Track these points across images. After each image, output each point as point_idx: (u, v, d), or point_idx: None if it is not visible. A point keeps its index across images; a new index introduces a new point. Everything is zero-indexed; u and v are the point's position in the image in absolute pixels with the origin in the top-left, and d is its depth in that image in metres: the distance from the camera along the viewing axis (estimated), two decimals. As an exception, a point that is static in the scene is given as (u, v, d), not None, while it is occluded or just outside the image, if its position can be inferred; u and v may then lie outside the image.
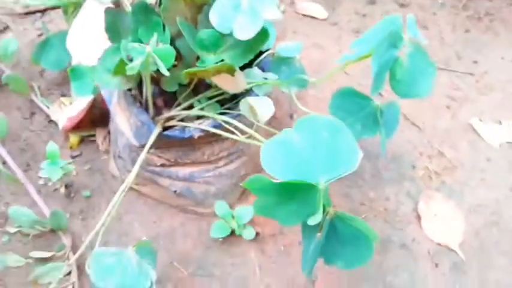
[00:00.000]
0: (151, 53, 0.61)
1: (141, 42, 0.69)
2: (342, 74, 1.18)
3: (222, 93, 0.82)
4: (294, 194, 0.56)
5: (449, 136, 1.10)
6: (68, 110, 1.01)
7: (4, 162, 0.96)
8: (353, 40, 1.24)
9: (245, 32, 0.61)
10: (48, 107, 1.08)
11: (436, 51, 1.28)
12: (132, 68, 0.61)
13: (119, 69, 0.67)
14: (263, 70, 0.86)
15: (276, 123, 1.09)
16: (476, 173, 1.04)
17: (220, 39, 0.69)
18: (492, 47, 1.30)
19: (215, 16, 0.63)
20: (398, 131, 1.08)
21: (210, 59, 0.69)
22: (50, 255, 0.82)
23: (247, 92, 0.82)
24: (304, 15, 1.36)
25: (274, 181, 0.53)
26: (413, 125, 1.12)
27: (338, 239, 0.63)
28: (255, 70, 0.84)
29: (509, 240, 0.94)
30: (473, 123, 1.12)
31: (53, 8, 1.28)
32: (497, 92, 1.20)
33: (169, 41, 0.69)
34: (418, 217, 0.96)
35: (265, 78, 0.83)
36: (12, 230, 0.85)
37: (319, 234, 0.61)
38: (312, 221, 0.57)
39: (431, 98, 1.17)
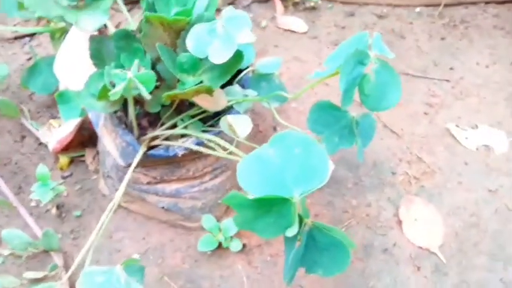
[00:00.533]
0: (132, 78, 0.64)
1: (124, 67, 0.72)
2: (323, 86, 1.22)
3: (204, 111, 0.85)
4: (271, 207, 0.59)
5: (428, 142, 1.14)
6: (57, 132, 1.04)
7: (-4, 186, 1.00)
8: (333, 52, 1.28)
9: (219, 56, 0.65)
10: (38, 130, 1.10)
11: (413, 59, 1.33)
12: (115, 94, 0.64)
13: (103, 94, 0.71)
14: (243, 87, 0.90)
15: (260, 136, 1.13)
16: (454, 176, 1.08)
17: (198, 62, 0.72)
18: (467, 53, 1.35)
19: (191, 42, 0.66)
20: (378, 138, 1.12)
21: (190, 81, 0.73)
22: (43, 276, 0.85)
23: (229, 109, 0.86)
24: (285, 29, 1.40)
25: (250, 197, 0.56)
26: (392, 132, 1.15)
27: (317, 248, 0.66)
28: (236, 87, 0.88)
29: (488, 240, 0.97)
30: (451, 128, 1.16)
31: (41, 32, 1.32)
32: (473, 97, 1.24)
33: (150, 66, 0.73)
34: (399, 222, 0.99)
35: (246, 95, 0.87)
36: (6, 252, 0.87)
37: (297, 244, 0.65)
38: (289, 233, 0.61)
39: (409, 105, 1.21)
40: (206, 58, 0.71)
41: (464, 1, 1.49)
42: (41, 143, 1.10)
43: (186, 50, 0.70)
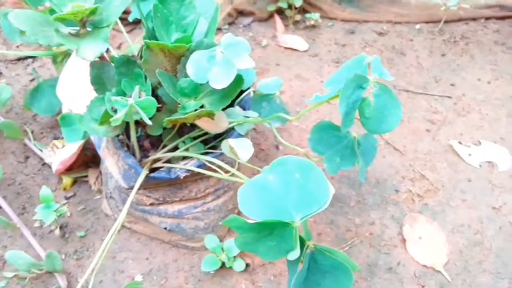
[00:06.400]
0: (133, 104, 0.65)
1: (125, 93, 0.73)
2: (324, 104, 1.22)
3: (206, 133, 0.86)
4: (272, 231, 0.59)
5: (430, 159, 1.14)
6: (61, 153, 1.05)
7: None
8: (334, 70, 1.29)
9: (220, 82, 0.66)
10: (41, 151, 1.11)
11: (414, 76, 1.33)
12: (116, 120, 0.65)
13: (104, 119, 0.71)
14: (244, 108, 0.90)
15: (262, 154, 1.13)
16: (458, 193, 1.07)
17: (199, 87, 0.73)
18: (468, 69, 1.36)
19: (191, 68, 0.67)
20: (380, 156, 1.12)
21: (191, 105, 0.73)
22: (46, 298, 0.85)
23: (230, 130, 0.87)
24: (286, 48, 1.41)
25: (250, 221, 0.56)
26: (395, 149, 1.15)
27: (320, 271, 0.66)
28: (237, 109, 0.88)
29: (493, 258, 0.96)
30: (453, 145, 1.16)
31: (43, 55, 1.34)
32: (475, 113, 1.24)
33: (151, 91, 0.73)
34: (403, 240, 0.99)
35: (247, 117, 0.87)
36: (9, 274, 0.87)
37: (300, 266, 0.65)
38: (291, 257, 0.61)
39: (411, 122, 1.21)
40: (207, 82, 0.72)
41: (464, 17, 1.50)
42: (44, 164, 1.11)
43: (186, 75, 0.71)
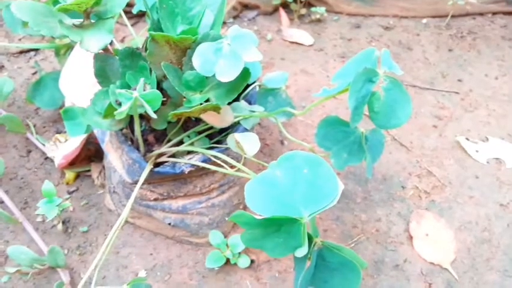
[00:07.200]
0: (138, 97, 0.64)
1: (129, 86, 0.72)
2: (330, 99, 1.21)
3: (211, 127, 0.85)
4: (279, 227, 0.58)
5: (437, 155, 1.12)
6: (63, 147, 1.03)
7: (1, 202, 0.99)
8: (339, 65, 1.28)
9: (226, 75, 0.64)
10: (44, 145, 1.10)
11: (421, 71, 1.32)
12: (120, 113, 0.63)
13: (108, 112, 0.70)
14: (250, 103, 0.89)
15: (267, 149, 1.12)
16: (465, 190, 1.06)
17: (204, 80, 0.71)
18: (475, 64, 1.34)
19: (198, 60, 0.65)
20: (387, 152, 1.11)
21: (196, 99, 0.72)
22: (49, 293, 0.84)
23: (236, 125, 0.85)
24: (291, 42, 1.39)
25: (257, 217, 0.55)
26: (402, 145, 1.14)
27: (327, 268, 0.65)
28: (242, 103, 0.87)
29: (501, 256, 0.95)
30: (460, 141, 1.15)
31: (46, 48, 1.32)
32: (483, 109, 1.23)
33: (155, 84, 0.72)
34: (410, 237, 0.98)
35: (252, 111, 0.86)
36: (12, 270, 0.86)
37: (307, 263, 0.63)
38: (299, 254, 0.59)
39: (418, 117, 1.20)
40: (213, 75, 0.70)
41: (471, 12, 1.48)
42: (47, 158, 1.10)
43: (192, 68, 0.69)
